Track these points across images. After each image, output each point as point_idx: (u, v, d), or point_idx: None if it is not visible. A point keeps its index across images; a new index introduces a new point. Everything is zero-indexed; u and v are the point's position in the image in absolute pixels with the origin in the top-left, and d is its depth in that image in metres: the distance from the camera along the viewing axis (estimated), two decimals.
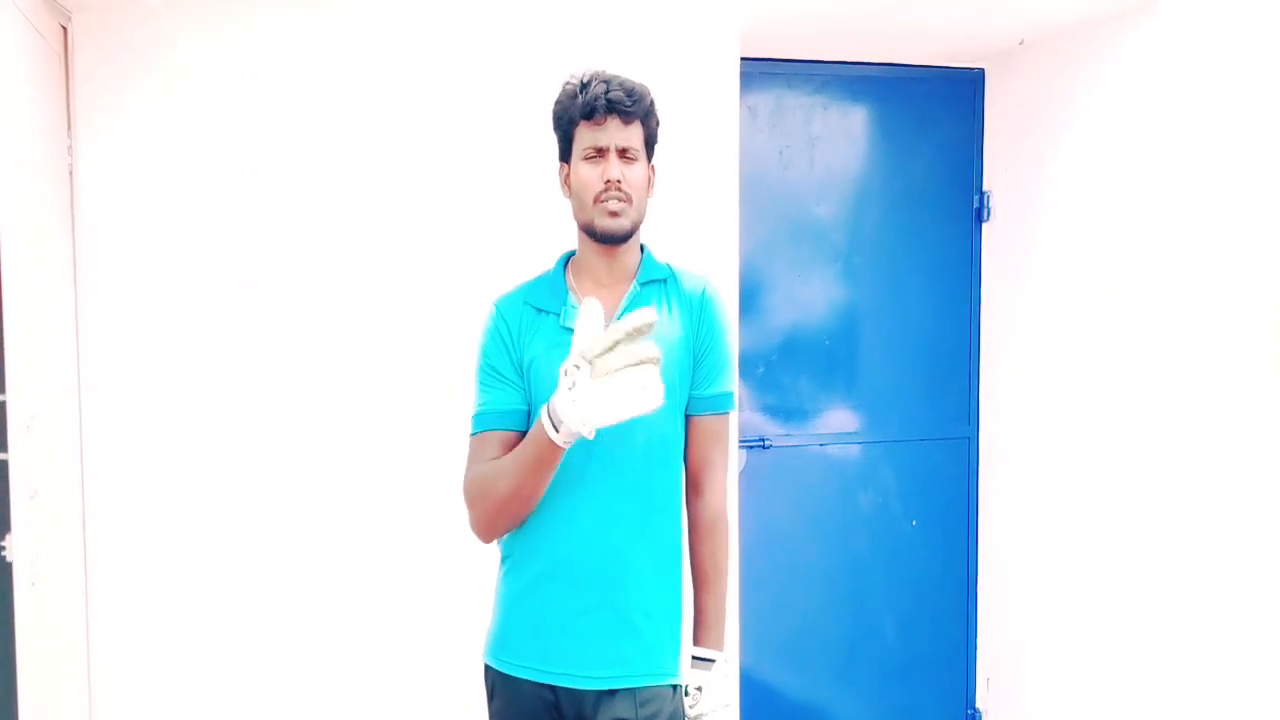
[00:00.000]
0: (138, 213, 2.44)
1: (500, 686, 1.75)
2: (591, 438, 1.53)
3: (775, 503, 3.11)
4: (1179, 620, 2.67)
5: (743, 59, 2.72)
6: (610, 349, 1.48)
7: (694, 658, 1.76)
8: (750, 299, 3.02)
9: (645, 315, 1.48)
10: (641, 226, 1.76)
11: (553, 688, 1.70)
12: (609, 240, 1.71)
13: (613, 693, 1.68)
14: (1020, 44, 3.04)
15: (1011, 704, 3.21)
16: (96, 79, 2.41)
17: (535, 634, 1.71)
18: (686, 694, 1.74)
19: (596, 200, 1.68)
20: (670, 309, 1.74)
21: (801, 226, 3.12)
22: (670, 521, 1.76)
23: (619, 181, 1.67)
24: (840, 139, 3.15)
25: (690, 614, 1.80)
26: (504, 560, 1.78)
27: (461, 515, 1.75)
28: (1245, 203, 2.64)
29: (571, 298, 1.74)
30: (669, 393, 1.64)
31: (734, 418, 1.86)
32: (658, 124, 1.75)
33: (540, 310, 1.75)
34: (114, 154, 2.43)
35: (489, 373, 1.75)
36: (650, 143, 1.74)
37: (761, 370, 3.10)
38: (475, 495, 1.70)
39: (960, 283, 3.26)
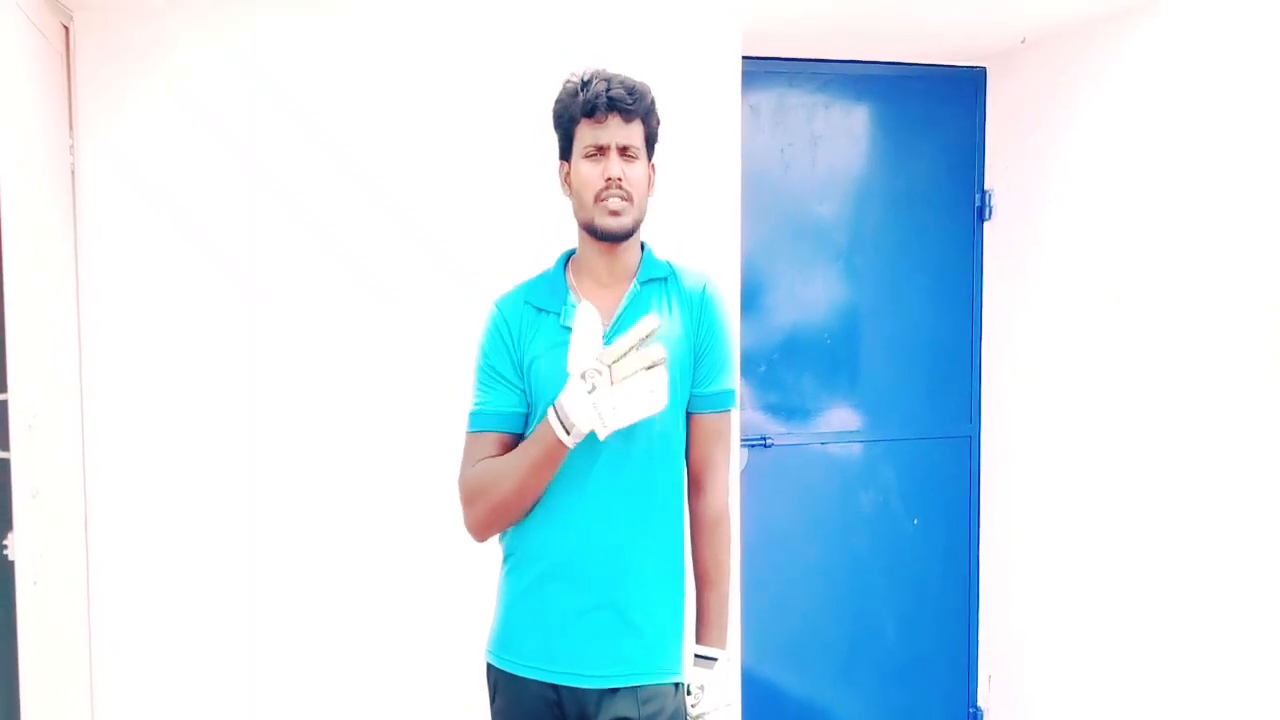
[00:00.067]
0: (139, 212, 2.45)
1: (503, 685, 1.75)
2: (604, 439, 1.59)
3: (777, 501, 3.11)
4: (1180, 618, 2.67)
5: (744, 58, 2.72)
6: (624, 355, 1.56)
7: (696, 656, 1.76)
8: (752, 297, 3.02)
9: (651, 322, 1.56)
10: (642, 225, 1.76)
11: (555, 686, 1.70)
12: (609, 239, 1.71)
13: (614, 691, 1.68)
14: (1022, 43, 3.04)
15: (1013, 702, 3.21)
16: (98, 79, 2.41)
17: (537, 633, 1.72)
18: (689, 693, 1.74)
19: (597, 199, 1.68)
20: (670, 307, 1.74)
21: (803, 225, 3.12)
22: (672, 520, 1.76)
23: (620, 179, 1.67)
24: (842, 138, 3.15)
25: (692, 612, 1.80)
26: (506, 559, 1.79)
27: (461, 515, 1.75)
28: (1247, 202, 2.63)
29: (571, 297, 1.74)
30: (670, 391, 1.65)
31: (735, 416, 1.86)
32: (659, 122, 1.75)
33: (540, 310, 1.75)
34: (115, 153, 2.43)
35: (489, 372, 1.75)
36: (651, 141, 1.74)
37: (763, 369, 3.10)
38: (474, 495, 1.71)
39: (962, 281, 3.26)
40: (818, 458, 3.16)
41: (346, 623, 2.57)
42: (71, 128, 2.40)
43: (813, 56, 3.09)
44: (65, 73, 2.39)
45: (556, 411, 1.61)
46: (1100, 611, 2.84)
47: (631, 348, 1.56)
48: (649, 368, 1.56)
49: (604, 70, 1.71)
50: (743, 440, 3.02)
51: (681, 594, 1.78)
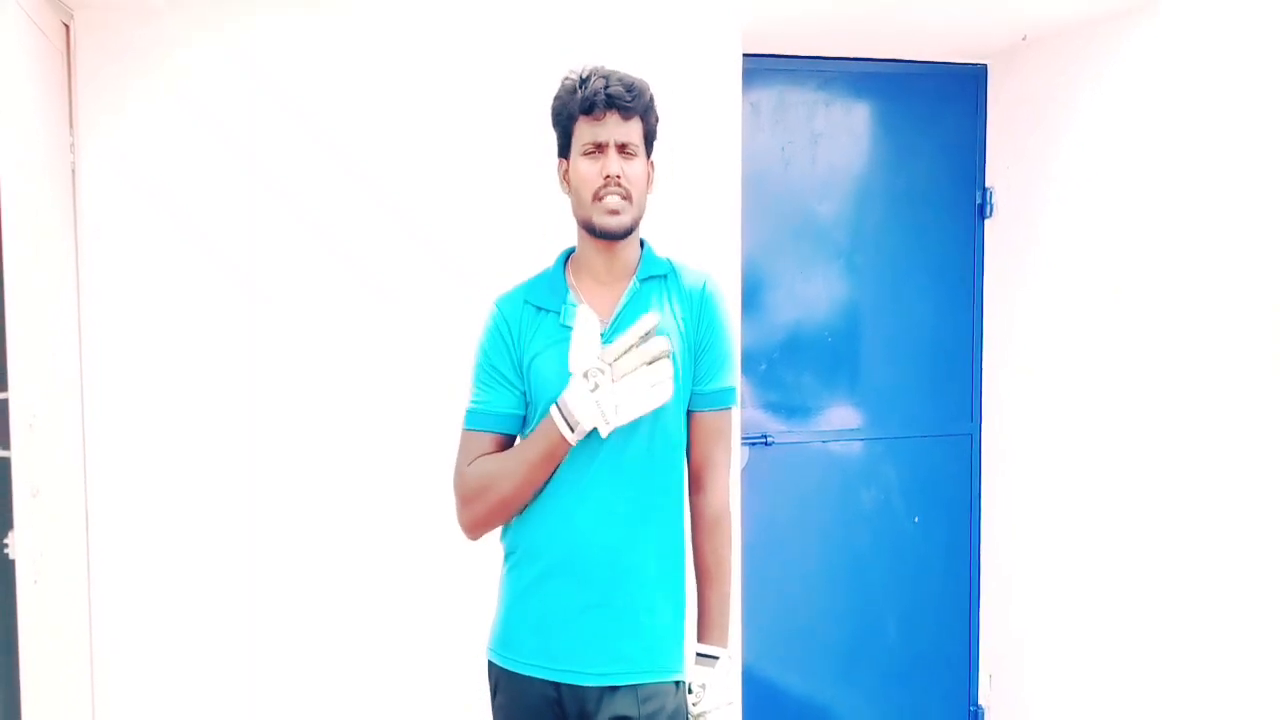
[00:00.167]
0: (139, 212, 2.45)
1: (503, 683, 1.75)
2: (605, 436, 1.62)
3: (778, 500, 3.11)
4: (1181, 617, 2.66)
5: (745, 55, 2.72)
6: (626, 352, 1.59)
7: (698, 655, 1.76)
8: (752, 296, 3.01)
9: (651, 319, 1.60)
10: (642, 223, 1.76)
11: (555, 684, 1.70)
12: (608, 237, 1.71)
13: (615, 689, 1.68)
14: (1023, 40, 3.03)
15: (1014, 700, 3.20)
16: (99, 78, 2.41)
17: (538, 631, 1.72)
18: (690, 691, 1.74)
19: (595, 197, 1.68)
20: (670, 304, 1.74)
21: (804, 223, 3.12)
22: (672, 518, 1.76)
23: (618, 177, 1.67)
24: (843, 135, 3.14)
25: (693, 611, 1.80)
26: (507, 557, 1.79)
27: None
28: (1247, 202, 2.63)
29: (571, 295, 1.74)
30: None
31: (736, 413, 1.86)
32: (657, 119, 1.75)
33: (540, 308, 1.75)
34: (115, 153, 2.43)
35: (489, 371, 1.75)
36: (650, 138, 1.74)
37: (764, 367, 3.10)
38: (473, 494, 1.71)
39: (963, 279, 3.26)
40: (818, 456, 3.16)
41: (347, 622, 2.58)
42: (72, 126, 2.40)
43: (813, 54, 3.09)
44: (66, 72, 2.39)
45: (560, 409, 1.62)
46: (1101, 610, 2.84)
47: (632, 345, 1.58)
48: (650, 363, 1.58)
49: (602, 67, 1.70)
50: (743, 438, 3.02)
51: (682, 592, 1.78)
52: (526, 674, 1.72)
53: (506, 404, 1.73)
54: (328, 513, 2.55)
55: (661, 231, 1.96)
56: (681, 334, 1.72)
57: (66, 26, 2.38)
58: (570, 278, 1.77)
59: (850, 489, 3.20)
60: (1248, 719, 2.69)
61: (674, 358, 1.66)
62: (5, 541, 2.00)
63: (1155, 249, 2.66)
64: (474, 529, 1.75)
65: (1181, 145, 2.61)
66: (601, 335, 1.68)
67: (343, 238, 2.53)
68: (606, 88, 1.66)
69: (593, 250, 1.75)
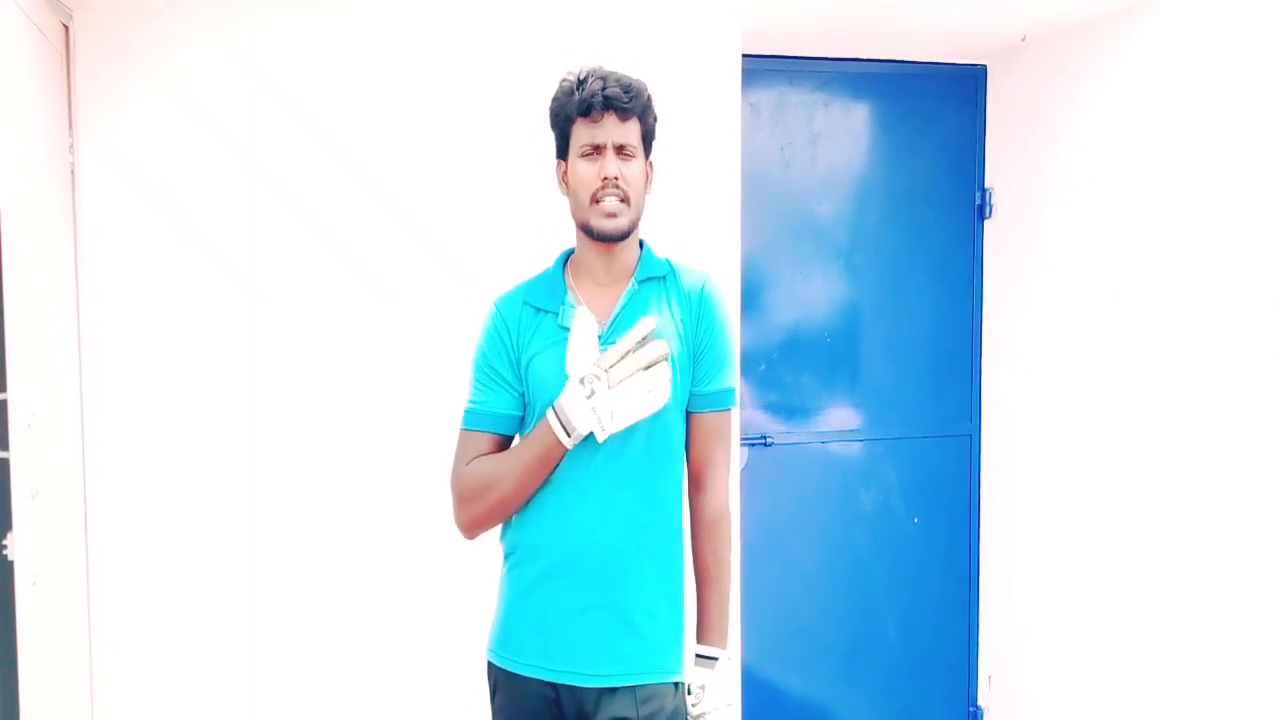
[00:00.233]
0: (139, 212, 2.45)
1: (503, 683, 1.75)
2: (602, 441, 1.62)
3: (777, 500, 3.11)
4: (1181, 618, 2.66)
5: (744, 56, 2.72)
6: (622, 358, 1.59)
7: (697, 656, 1.76)
8: (752, 296, 3.01)
9: (648, 324, 1.60)
10: (641, 223, 1.76)
11: (554, 685, 1.70)
12: (606, 239, 1.71)
13: (613, 690, 1.68)
14: (1023, 41, 3.03)
15: (1013, 701, 3.20)
16: (98, 78, 2.41)
17: (537, 631, 1.72)
18: (689, 692, 1.74)
19: (593, 199, 1.68)
20: (669, 306, 1.74)
21: (803, 224, 3.12)
22: (672, 519, 1.76)
23: (616, 178, 1.67)
24: (842, 136, 3.14)
25: (692, 612, 1.80)
26: (507, 557, 1.79)
27: None
28: (1247, 201, 2.63)
29: (569, 297, 1.74)
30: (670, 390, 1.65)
31: (736, 414, 1.86)
32: (656, 120, 1.75)
33: (539, 309, 1.75)
34: (115, 153, 2.43)
35: (487, 371, 1.75)
36: (648, 139, 1.74)
37: (763, 368, 3.09)
38: (471, 494, 1.71)
39: (962, 280, 3.26)
40: (818, 457, 3.16)
41: (346, 622, 2.57)
42: (71, 127, 2.40)
43: (813, 55, 3.09)
44: (65, 72, 2.38)
45: (557, 413, 1.63)
46: (1100, 610, 2.84)
47: (628, 351, 1.59)
48: (647, 368, 1.59)
49: (600, 68, 1.70)
50: (743, 439, 3.02)
51: (681, 593, 1.78)
52: (525, 674, 1.72)
53: (504, 405, 1.74)
54: (327, 513, 2.55)
55: (661, 232, 1.96)
56: (680, 335, 1.72)
57: (66, 27, 2.38)
58: (569, 279, 1.77)
59: (850, 490, 3.20)
60: (1247, 719, 2.69)
61: (672, 360, 1.66)
62: (4, 543, 1.99)
63: (1155, 249, 2.66)
64: (470, 529, 1.75)
65: (1181, 145, 2.61)
66: (599, 337, 1.68)
67: (343, 238, 2.53)
68: (604, 89, 1.66)
69: (591, 252, 1.75)
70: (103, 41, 2.40)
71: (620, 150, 1.68)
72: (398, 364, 2.55)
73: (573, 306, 1.72)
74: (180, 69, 2.44)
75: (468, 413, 1.76)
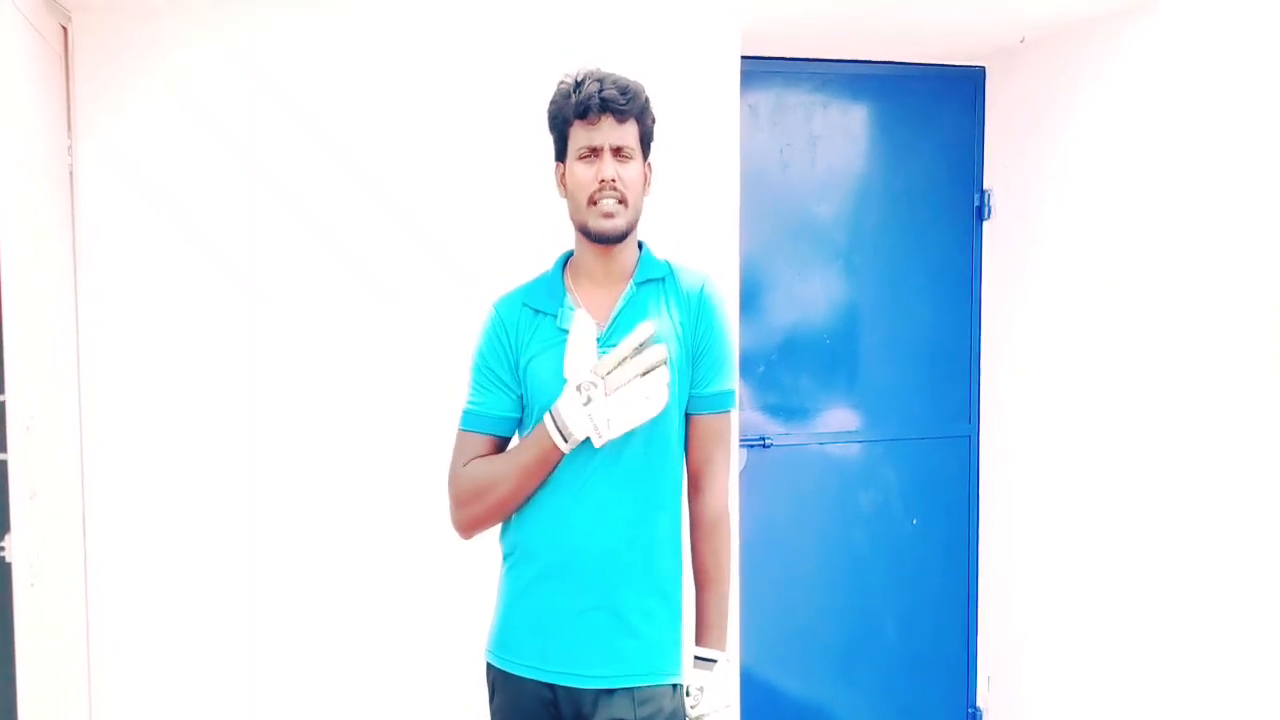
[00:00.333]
0: (138, 213, 2.44)
1: (501, 684, 1.75)
2: (599, 447, 1.63)
3: (776, 502, 3.11)
4: (1180, 618, 2.66)
5: (743, 57, 2.72)
6: (619, 365, 1.59)
7: (696, 657, 1.75)
8: (751, 298, 3.01)
9: (645, 330, 1.59)
10: (641, 225, 1.76)
11: (551, 686, 1.70)
12: (603, 241, 1.71)
13: (611, 692, 1.68)
14: (1021, 42, 3.03)
15: (1012, 702, 3.20)
16: (97, 79, 2.41)
17: (535, 633, 1.72)
18: (688, 694, 1.74)
19: (591, 200, 1.68)
20: (668, 307, 1.74)
21: (802, 225, 3.12)
22: (670, 521, 1.76)
23: (613, 181, 1.67)
24: (841, 137, 3.14)
25: (691, 614, 1.79)
26: (506, 558, 1.79)
27: None
28: (1245, 200, 2.63)
29: (568, 299, 1.75)
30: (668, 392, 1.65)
31: (735, 416, 1.86)
32: (654, 121, 1.75)
33: (538, 311, 1.75)
34: (114, 154, 2.42)
35: (486, 373, 1.75)
36: (646, 140, 1.74)
37: (762, 369, 3.09)
38: (467, 495, 1.72)
39: (961, 281, 3.26)
40: (817, 458, 3.16)
41: (346, 623, 2.57)
42: (70, 128, 2.40)
43: (812, 56, 3.09)
44: (64, 73, 2.38)
45: (554, 418, 1.63)
46: (1099, 611, 2.84)
47: (625, 357, 1.59)
48: (645, 374, 1.59)
49: (597, 70, 1.70)
50: (742, 440, 3.02)
51: (680, 595, 1.78)
52: (522, 675, 1.72)
53: (502, 406, 1.74)
54: (327, 514, 2.55)
55: (660, 233, 1.96)
56: (679, 337, 1.72)
57: (64, 29, 2.38)
58: (568, 280, 1.78)
59: (849, 491, 3.20)
60: (1247, 719, 2.70)
61: (670, 362, 1.66)
62: (2, 544, 1.99)
63: (1153, 250, 2.66)
64: (468, 529, 1.76)
65: (1180, 145, 2.61)
66: (598, 339, 1.69)
67: (343, 238, 2.52)
68: (600, 91, 1.66)
69: (590, 254, 1.75)
70: (102, 42, 2.40)
71: (617, 152, 1.69)
72: (397, 364, 2.55)
73: (571, 309, 1.72)
74: (180, 69, 2.44)
75: (466, 414, 1.76)
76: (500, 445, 1.76)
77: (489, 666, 1.78)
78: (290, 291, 2.51)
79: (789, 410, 3.14)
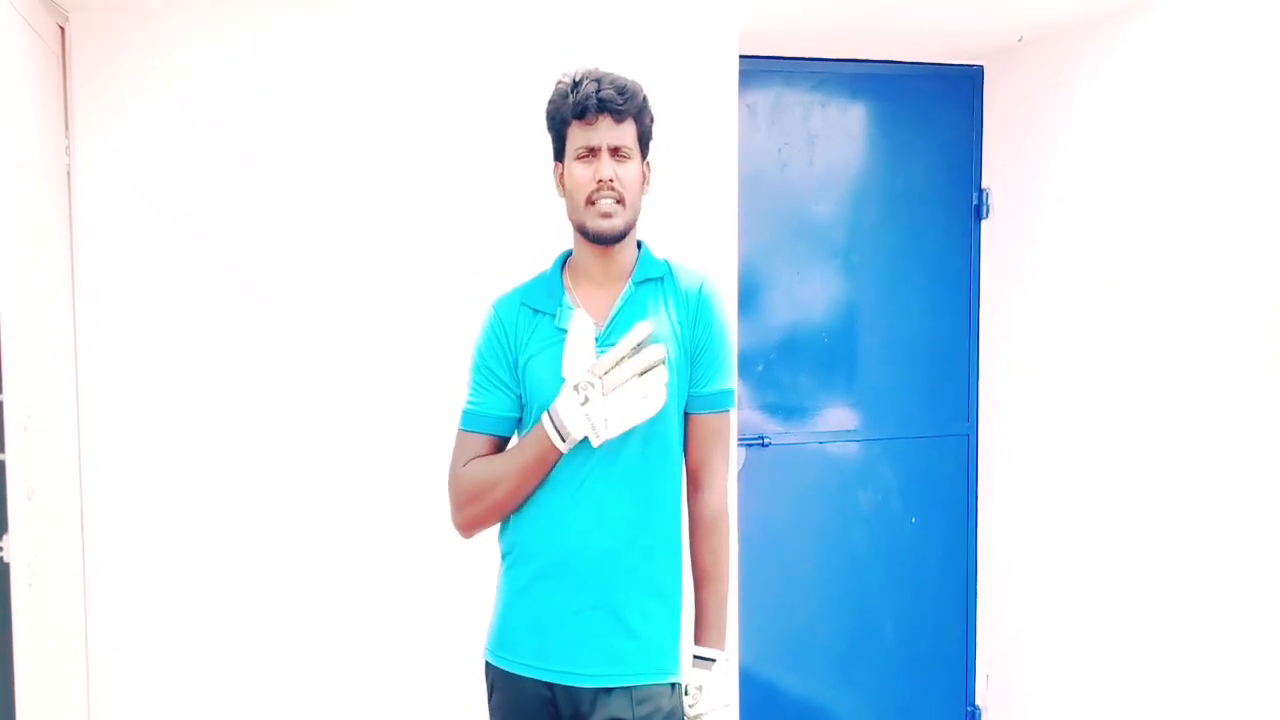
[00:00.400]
0: (136, 213, 2.44)
1: (499, 683, 1.76)
2: (597, 446, 1.63)
3: (775, 501, 3.11)
4: (1178, 617, 2.67)
5: (741, 56, 2.72)
6: (617, 365, 1.59)
7: (694, 657, 1.76)
8: (749, 297, 3.02)
9: (642, 330, 1.59)
10: (639, 224, 1.76)
11: (550, 685, 1.71)
12: (602, 241, 1.71)
13: (609, 691, 1.69)
14: (1019, 41, 3.04)
15: (1011, 701, 3.21)
16: (95, 79, 2.40)
17: (533, 632, 1.72)
18: (686, 693, 1.74)
19: (589, 200, 1.69)
20: (667, 306, 1.74)
21: (800, 224, 3.12)
22: (669, 520, 1.76)
23: (611, 181, 1.68)
24: (839, 137, 3.15)
25: (690, 613, 1.80)
26: (504, 557, 1.79)
27: None
28: (1244, 199, 2.63)
29: (567, 298, 1.75)
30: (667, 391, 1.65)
31: (734, 415, 1.86)
32: (652, 121, 1.75)
33: (537, 311, 1.76)
34: (112, 154, 2.42)
35: (485, 373, 1.76)
36: (644, 140, 1.74)
37: (760, 368, 3.10)
38: (467, 494, 1.72)
39: (959, 280, 3.26)
40: (815, 457, 3.16)
41: (345, 622, 2.57)
42: (68, 128, 2.40)
43: (810, 55, 3.09)
44: (62, 73, 2.38)
45: (552, 418, 1.63)
46: (1098, 609, 2.85)
47: (623, 357, 1.60)
48: (643, 373, 1.59)
49: (595, 70, 1.70)
50: (740, 440, 3.02)
51: (679, 594, 1.78)
52: (521, 674, 1.72)
53: (501, 406, 1.74)
54: (326, 513, 2.55)
55: (659, 232, 1.96)
56: (677, 336, 1.73)
57: (62, 28, 2.38)
58: (567, 280, 1.78)
59: (847, 490, 3.20)
60: (1246, 719, 2.70)
61: (669, 362, 1.67)
62: (0, 544, 1.99)
63: (1152, 248, 2.67)
64: (467, 529, 1.76)
65: (1178, 144, 2.61)
66: (597, 338, 1.69)
67: (343, 238, 2.52)
68: (598, 91, 1.66)
69: (588, 253, 1.75)
70: (100, 42, 2.40)
71: (615, 152, 1.69)
72: (397, 364, 2.55)
73: (570, 308, 1.72)
74: (179, 69, 2.44)
75: (465, 414, 1.76)
76: (500, 445, 1.76)
77: (488, 665, 1.78)
78: (290, 291, 2.51)
79: (788, 409, 3.14)
